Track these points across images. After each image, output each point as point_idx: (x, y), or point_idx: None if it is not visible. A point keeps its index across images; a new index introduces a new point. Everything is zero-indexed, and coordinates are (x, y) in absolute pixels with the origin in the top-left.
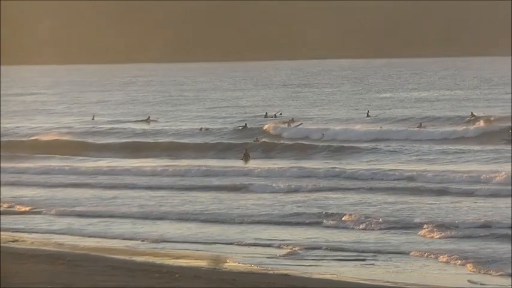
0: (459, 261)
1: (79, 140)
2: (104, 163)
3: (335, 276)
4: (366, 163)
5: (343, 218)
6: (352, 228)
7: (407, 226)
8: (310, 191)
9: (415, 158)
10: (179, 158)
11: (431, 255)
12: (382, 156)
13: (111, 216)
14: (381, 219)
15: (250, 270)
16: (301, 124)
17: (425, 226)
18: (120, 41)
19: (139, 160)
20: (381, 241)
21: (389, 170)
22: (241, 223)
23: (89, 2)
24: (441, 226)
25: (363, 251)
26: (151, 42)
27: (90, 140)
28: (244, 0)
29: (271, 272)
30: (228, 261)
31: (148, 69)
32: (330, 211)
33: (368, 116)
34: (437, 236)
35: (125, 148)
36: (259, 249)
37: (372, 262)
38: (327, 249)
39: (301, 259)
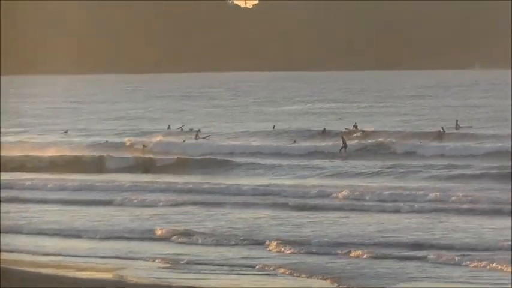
0: (319, 277)
1: None
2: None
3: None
4: (235, 177)
5: (192, 235)
6: (204, 244)
7: (258, 242)
8: (170, 205)
9: (282, 172)
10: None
11: (293, 272)
12: (254, 170)
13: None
14: (234, 234)
15: (153, 283)
16: (209, 136)
17: (275, 242)
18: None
19: (37, 174)
20: (233, 256)
21: (254, 185)
22: (108, 238)
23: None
24: (293, 242)
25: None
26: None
27: None
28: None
29: (175, 284)
30: (127, 274)
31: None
32: (183, 227)
33: (274, 128)
34: (289, 252)
35: (21, 162)
36: (132, 262)
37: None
38: (191, 263)
39: (184, 272)
